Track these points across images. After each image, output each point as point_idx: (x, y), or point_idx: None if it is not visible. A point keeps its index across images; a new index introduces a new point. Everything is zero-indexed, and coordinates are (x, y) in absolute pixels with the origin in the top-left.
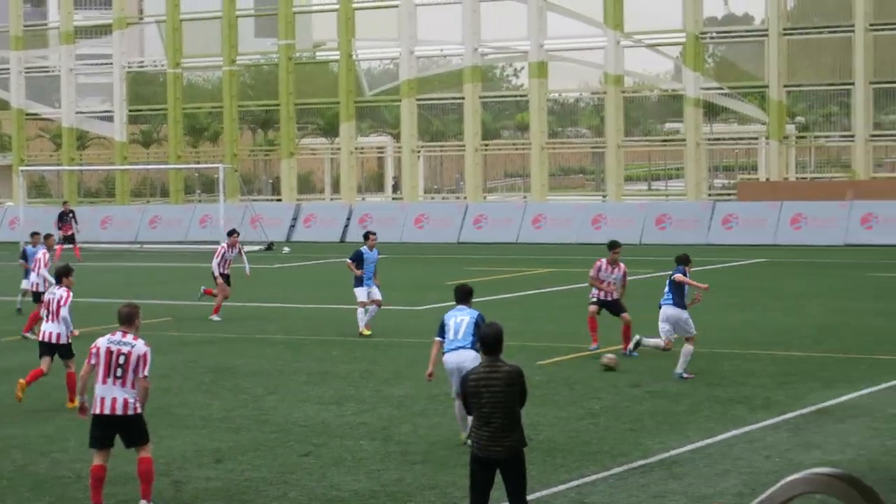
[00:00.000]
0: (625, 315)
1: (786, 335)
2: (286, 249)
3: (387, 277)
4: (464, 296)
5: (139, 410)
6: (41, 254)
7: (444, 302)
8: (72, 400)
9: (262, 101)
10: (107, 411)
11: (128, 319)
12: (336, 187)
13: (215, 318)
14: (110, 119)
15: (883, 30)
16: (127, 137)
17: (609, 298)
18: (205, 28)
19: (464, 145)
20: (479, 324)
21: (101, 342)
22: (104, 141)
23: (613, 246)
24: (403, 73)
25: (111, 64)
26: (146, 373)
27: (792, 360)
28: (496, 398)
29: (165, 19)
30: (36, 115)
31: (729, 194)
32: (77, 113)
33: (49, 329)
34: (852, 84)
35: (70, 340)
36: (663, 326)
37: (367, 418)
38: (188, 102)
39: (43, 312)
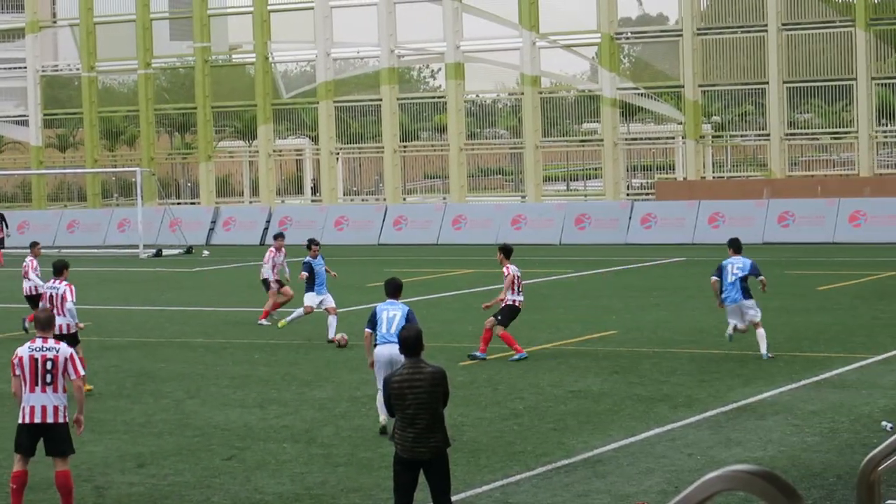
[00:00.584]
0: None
1: (705, 333)
2: (206, 253)
3: None
4: (394, 290)
5: (67, 419)
6: (28, 260)
7: (365, 304)
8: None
9: (179, 104)
10: (37, 419)
11: (48, 324)
12: (255, 190)
13: (264, 322)
14: (25, 123)
15: (795, 29)
16: (43, 141)
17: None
18: (119, 31)
19: (382, 147)
20: (409, 318)
21: (23, 351)
22: (19, 145)
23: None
24: (320, 75)
25: (25, 68)
26: (82, 372)
27: (712, 358)
28: (420, 399)
29: (79, 22)
30: None
31: (647, 194)
32: None
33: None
34: (766, 83)
35: (76, 331)
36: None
37: (290, 421)
38: (104, 106)
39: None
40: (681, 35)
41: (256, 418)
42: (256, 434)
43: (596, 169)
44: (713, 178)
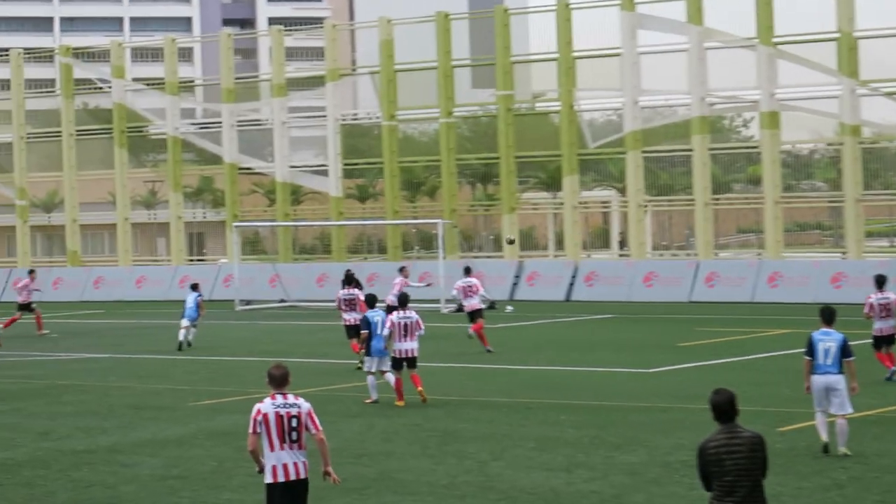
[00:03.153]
0: None
1: None
2: (509, 308)
3: (614, 338)
4: (830, 317)
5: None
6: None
7: (677, 364)
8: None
9: (481, 154)
10: (291, 477)
11: (283, 380)
12: (560, 243)
13: None
14: (324, 173)
15: None
16: (342, 192)
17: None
18: (420, 79)
19: (693, 199)
20: (844, 348)
21: (267, 408)
22: (318, 196)
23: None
24: (627, 124)
25: (325, 116)
26: (321, 427)
27: None
28: (740, 465)
29: (379, 70)
30: (249, 169)
31: None
32: (290, 167)
33: (409, 346)
34: None
35: None
36: None
37: (598, 486)
38: (404, 155)
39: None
40: None
41: (563, 482)
42: (563, 499)
43: None
44: None
